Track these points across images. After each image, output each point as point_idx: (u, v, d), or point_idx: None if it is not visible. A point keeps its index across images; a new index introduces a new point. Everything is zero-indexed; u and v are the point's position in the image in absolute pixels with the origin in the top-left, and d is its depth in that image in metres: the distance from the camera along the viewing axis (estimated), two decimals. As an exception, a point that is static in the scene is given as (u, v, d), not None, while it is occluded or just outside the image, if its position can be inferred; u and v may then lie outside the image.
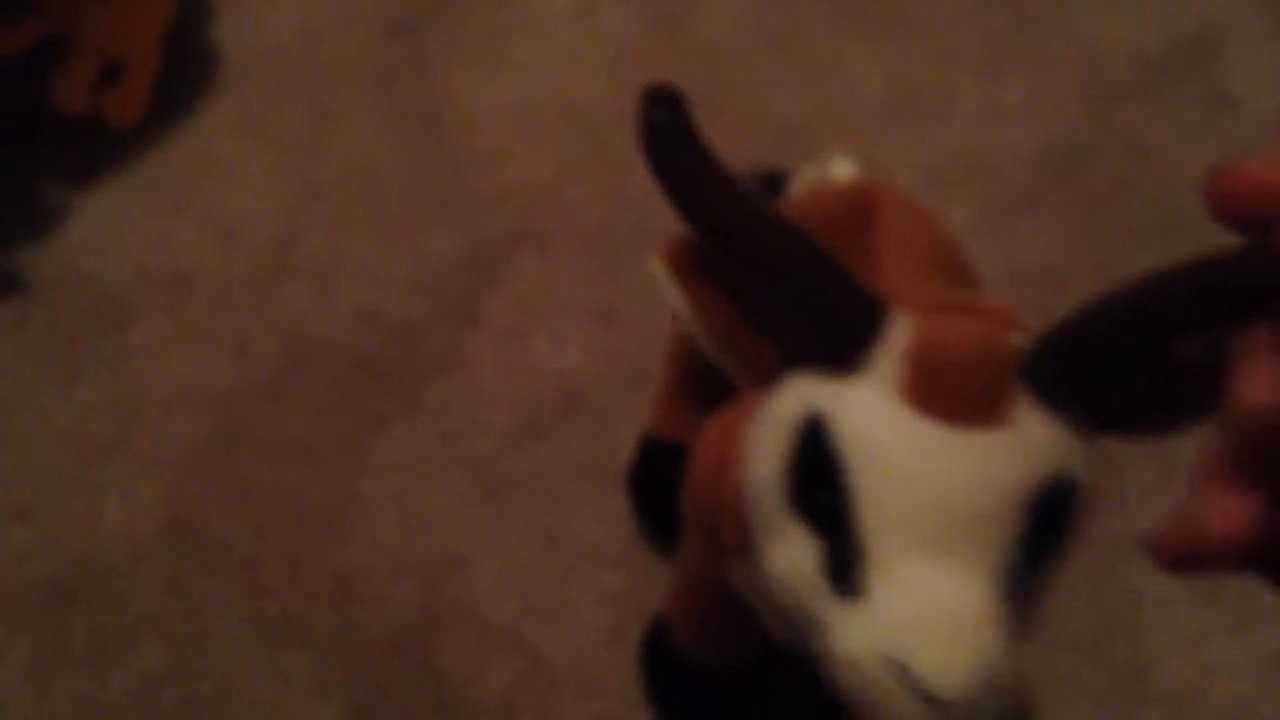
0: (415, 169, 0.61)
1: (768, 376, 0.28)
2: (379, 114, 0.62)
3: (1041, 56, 0.65)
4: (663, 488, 0.42)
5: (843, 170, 0.49)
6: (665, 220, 0.61)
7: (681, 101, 0.26)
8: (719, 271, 0.27)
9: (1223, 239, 0.23)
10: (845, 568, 0.25)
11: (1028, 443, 0.25)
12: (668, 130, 0.26)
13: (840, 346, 0.26)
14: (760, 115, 0.62)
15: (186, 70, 0.64)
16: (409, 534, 0.51)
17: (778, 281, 0.26)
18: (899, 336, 0.26)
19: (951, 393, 0.25)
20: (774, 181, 0.53)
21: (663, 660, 0.46)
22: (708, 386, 0.42)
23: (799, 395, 0.27)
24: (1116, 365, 0.24)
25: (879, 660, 0.24)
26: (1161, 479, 0.50)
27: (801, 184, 0.50)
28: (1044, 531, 0.25)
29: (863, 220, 0.34)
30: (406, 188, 0.60)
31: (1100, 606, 0.50)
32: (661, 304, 0.55)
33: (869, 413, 0.25)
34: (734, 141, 0.60)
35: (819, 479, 0.25)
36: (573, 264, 0.58)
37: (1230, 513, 0.22)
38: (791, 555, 0.26)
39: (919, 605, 0.24)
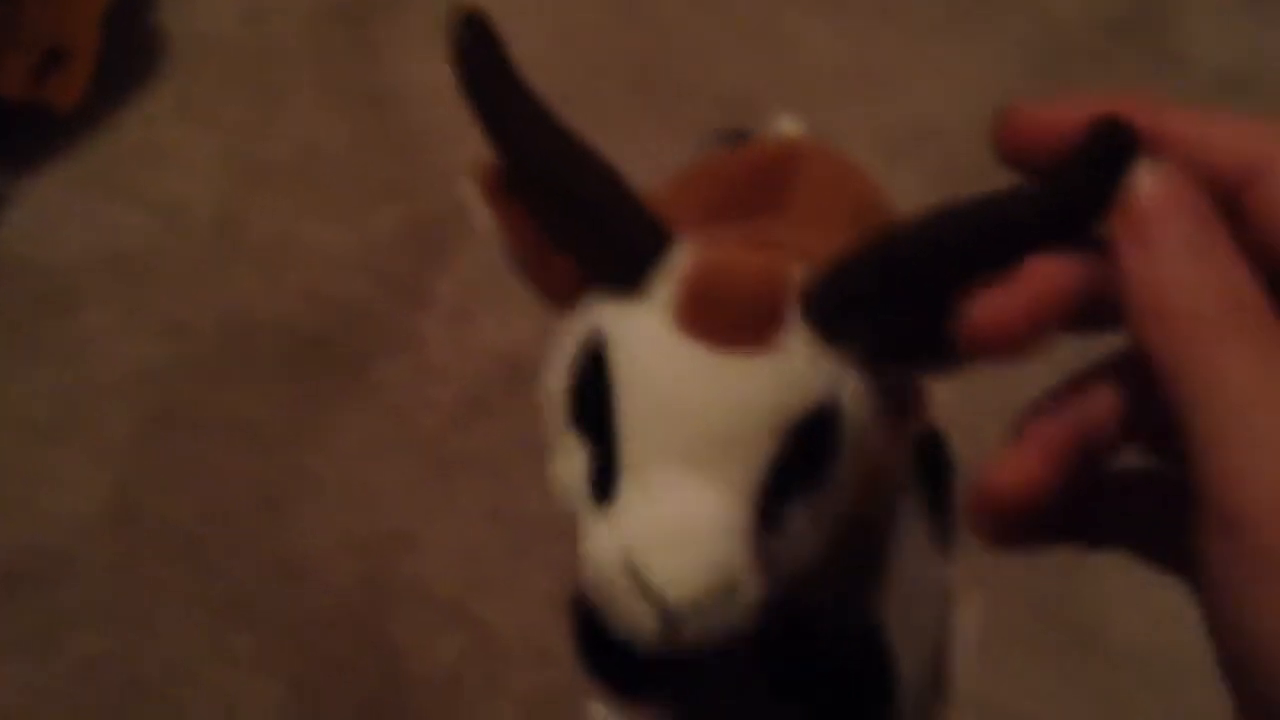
0: (360, 149, 0.60)
1: (567, 299, 0.29)
2: (323, 95, 0.62)
3: (994, 22, 0.65)
4: None
5: (789, 129, 0.49)
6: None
7: (489, 27, 0.27)
8: (524, 195, 0.28)
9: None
10: (604, 477, 0.26)
11: (790, 370, 0.25)
12: (476, 52, 0.26)
13: (625, 270, 0.27)
14: (710, 84, 0.62)
15: (129, 55, 0.63)
16: (355, 512, 0.51)
17: (570, 204, 0.26)
18: (680, 262, 0.26)
19: (718, 317, 0.25)
20: (736, 141, 0.53)
21: (592, 621, 0.46)
22: None
23: (587, 316, 0.28)
24: (895, 302, 0.24)
25: (616, 561, 0.25)
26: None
27: None
28: (805, 460, 0.26)
29: (782, 172, 0.34)
30: (352, 168, 0.60)
31: (1052, 566, 0.49)
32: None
33: (639, 332, 0.26)
34: (683, 109, 0.60)
35: (592, 391, 0.26)
36: (521, 240, 0.58)
37: (1014, 468, 0.22)
38: (568, 466, 0.27)
39: (658, 511, 0.25)
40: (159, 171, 0.60)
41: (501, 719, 0.47)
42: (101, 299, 0.56)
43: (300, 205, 0.59)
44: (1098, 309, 0.23)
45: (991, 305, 0.22)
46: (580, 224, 0.27)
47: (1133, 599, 0.49)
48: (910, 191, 0.52)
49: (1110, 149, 0.22)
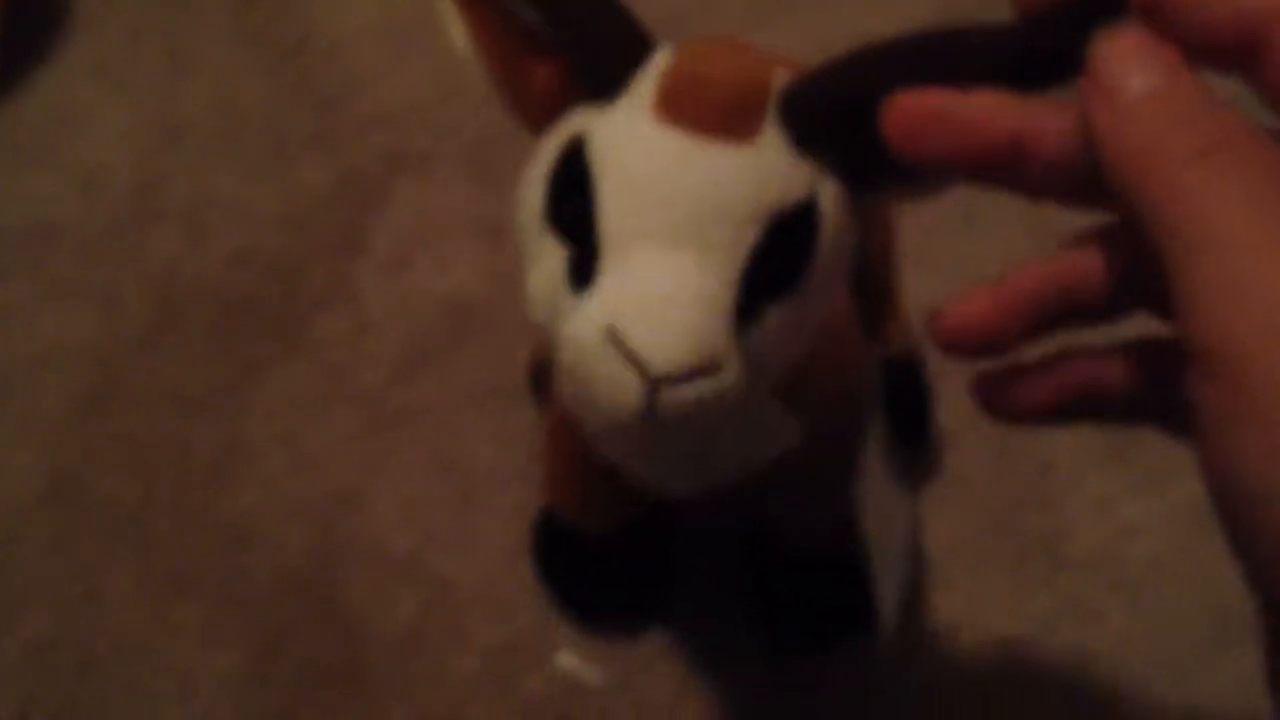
0: (280, 101, 0.58)
1: (545, 118, 0.29)
2: (238, 47, 0.60)
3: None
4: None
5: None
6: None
7: None
8: (500, 6, 0.28)
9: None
10: (583, 267, 0.26)
11: (768, 163, 0.26)
12: None
13: (607, 76, 0.27)
14: (637, 5, 0.60)
15: (34, 18, 0.61)
16: (299, 475, 0.49)
17: (553, 11, 0.27)
18: (660, 62, 0.27)
19: (697, 107, 0.25)
20: None
21: (554, 540, 0.45)
22: None
23: (567, 125, 0.27)
24: (868, 111, 0.24)
25: (597, 335, 0.25)
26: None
27: None
28: (784, 256, 0.26)
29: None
30: (273, 121, 0.58)
31: (1008, 479, 0.49)
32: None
33: (619, 126, 0.26)
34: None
35: (571, 192, 0.26)
36: (454, 183, 0.56)
37: (966, 311, 0.23)
38: (545, 269, 0.27)
39: (640, 282, 0.25)
40: (74, 137, 0.58)
41: (466, 673, 0.46)
42: (22, 271, 0.54)
43: (221, 163, 0.56)
44: (1072, 307, 0.24)
45: (964, 309, 0.24)
46: (563, 32, 0.27)
47: (1091, 511, 0.48)
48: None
49: (1096, 6, 0.22)
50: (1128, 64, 0.20)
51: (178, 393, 0.51)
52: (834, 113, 0.25)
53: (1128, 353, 0.25)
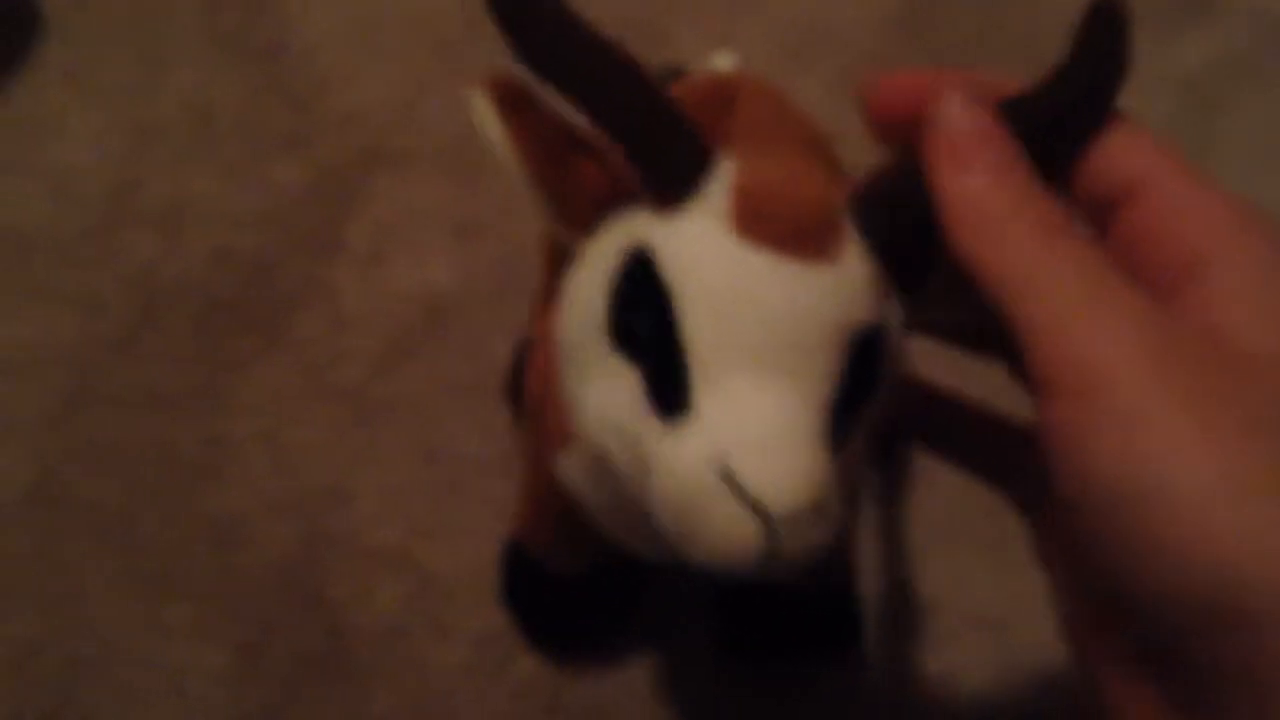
0: (255, 101, 0.58)
1: (586, 220, 0.28)
2: (211, 48, 0.60)
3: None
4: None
5: (723, 64, 0.49)
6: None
7: None
8: (543, 106, 0.27)
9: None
10: (670, 390, 0.25)
11: (852, 281, 0.25)
12: None
13: (668, 182, 0.26)
14: (607, 8, 0.60)
15: (5, 24, 0.61)
16: (282, 472, 0.50)
17: (607, 114, 0.25)
18: (728, 172, 0.26)
19: (780, 224, 0.25)
20: (670, 79, 0.52)
21: (520, 570, 0.45)
22: None
23: (623, 231, 0.26)
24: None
25: (706, 470, 0.23)
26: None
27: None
28: (860, 374, 0.25)
29: (722, 109, 0.34)
30: (248, 121, 0.58)
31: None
32: (524, 213, 0.53)
33: (697, 240, 0.25)
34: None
35: (644, 309, 0.25)
36: (429, 181, 0.56)
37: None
38: (612, 390, 0.26)
39: (747, 416, 0.24)
40: (48, 142, 0.58)
41: (453, 661, 0.47)
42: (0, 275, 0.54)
43: (196, 164, 0.57)
44: None
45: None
46: (618, 135, 0.25)
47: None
48: (815, 98, 0.52)
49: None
50: (971, 152, 0.24)
51: (159, 393, 0.51)
52: (910, 209, 0.25)
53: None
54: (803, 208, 0.25)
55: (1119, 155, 0.25)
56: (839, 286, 0.25)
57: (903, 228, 0.25)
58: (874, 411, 0.26)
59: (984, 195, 0.23)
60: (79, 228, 0.55)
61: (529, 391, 0.35)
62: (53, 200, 0.56)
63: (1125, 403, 0.21)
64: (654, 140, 0.25)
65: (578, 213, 0.28)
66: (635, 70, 0.25)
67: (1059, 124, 0.25)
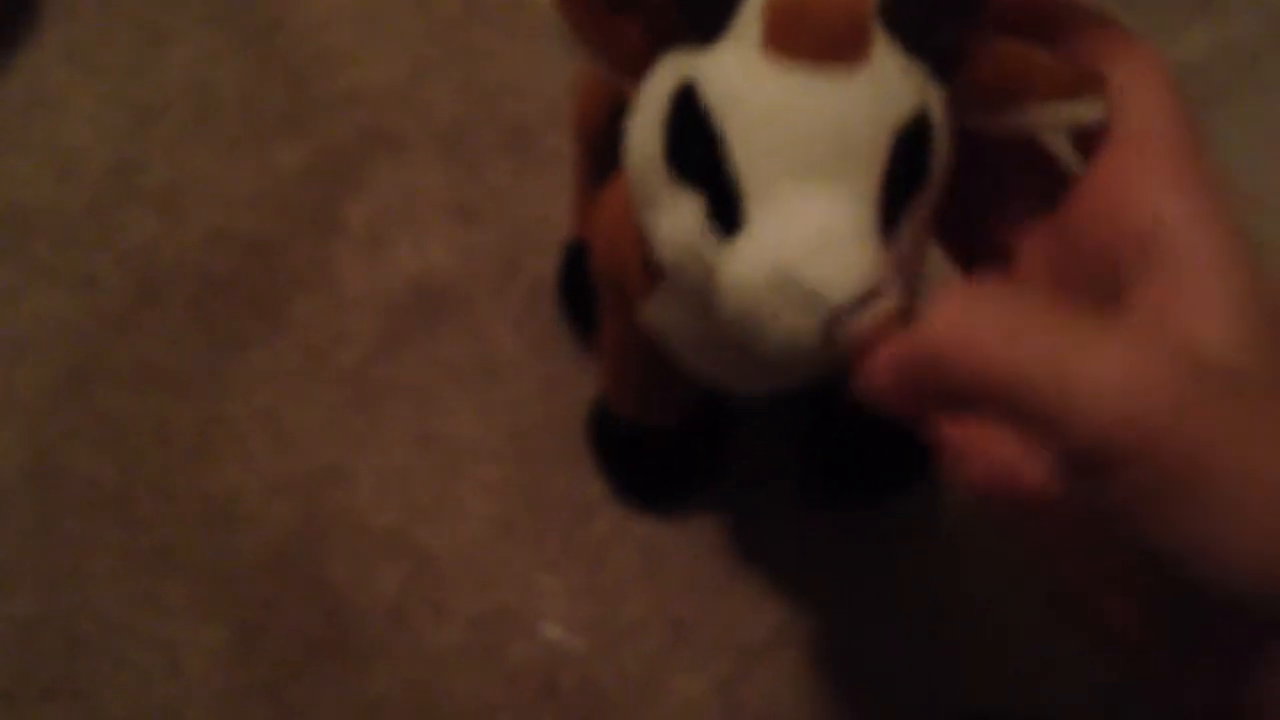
0: (256, 81, 0.58)
1: (637, 69, 0.30)
2: (211, 28, 0.60)
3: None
4: (590, 287, 0.43)
5: None
6: (520, 111, 0.59)
7: None
8: None
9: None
10: (728, 210, 0.27)
11: (888, 80, 0.27)
12: None
13: (708, 17, 0.27)
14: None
15: (4, 3, 0.60)
16: (281, 452, 0.50)
17: None
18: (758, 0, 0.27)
19: (810, 38, 0.26)
20: None
21: (609, 431, 0.47)
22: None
23: (671, 70, 0.28)
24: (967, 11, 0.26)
25: (765, 276, 0.26)
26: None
27: None
28: (908, 166, 0.27)
29: None
30: (248, 101, 0.58)
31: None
32: (522, 197, 0.53)
33: (734, 67, 0.27)
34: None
35: (694, 138, 0.27)
36: (429, 163, 0.56)
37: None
38: (677, 217, 0.28)
39: (798, 222, 0.26)
40: (48, 121, 0.58)
41: (451, 643, 0.47)
42: (1, 254, 0.54)
43: (197, 144, 0.57)
44: None
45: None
46: None
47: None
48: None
49: None
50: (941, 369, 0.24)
51: (158, 372, 0.51)
52: (934, 7, 0.27)
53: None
54: (831, 14, 0.26)
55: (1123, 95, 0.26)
56: (874, 87, 0.26)
57: (929, 11, 0.27)
58: (929, 196, 0.28)
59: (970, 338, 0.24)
60: (79, 206, 0.55)
61: (600, 262, 0.38)
62: (52, 179, 0.56)
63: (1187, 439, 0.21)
64: None
65: (629, 63, 0.29)
66: None
67: None
